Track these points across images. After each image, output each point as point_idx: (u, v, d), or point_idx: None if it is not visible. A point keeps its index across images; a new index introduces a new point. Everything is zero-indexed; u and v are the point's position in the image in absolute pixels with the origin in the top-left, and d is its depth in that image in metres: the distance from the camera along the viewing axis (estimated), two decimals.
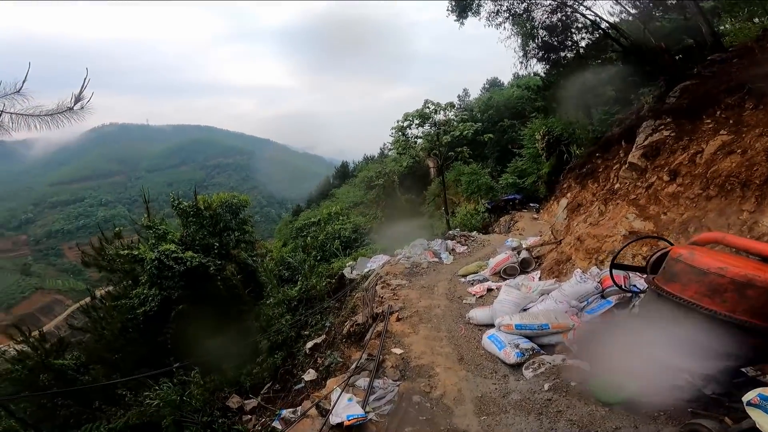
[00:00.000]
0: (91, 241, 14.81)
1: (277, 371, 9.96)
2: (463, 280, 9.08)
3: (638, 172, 7.76)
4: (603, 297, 5.49)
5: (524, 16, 11.87)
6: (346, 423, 3.85)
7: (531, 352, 4.86)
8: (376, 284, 9.11)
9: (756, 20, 10.96)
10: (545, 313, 5.31)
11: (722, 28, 11.29)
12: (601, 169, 10.68)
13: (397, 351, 5.52)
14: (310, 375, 7.47)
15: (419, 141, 22.06)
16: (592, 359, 4.40)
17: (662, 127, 7.68)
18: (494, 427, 3.84)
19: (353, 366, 5.08)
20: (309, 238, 21.98)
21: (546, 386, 4.25)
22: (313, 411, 4.34)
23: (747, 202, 5.05)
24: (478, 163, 26.70)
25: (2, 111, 3.09)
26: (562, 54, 12.92)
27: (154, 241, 12.80)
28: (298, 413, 4.83)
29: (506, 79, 46.67)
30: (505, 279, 8.60)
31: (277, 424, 5.14)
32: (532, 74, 18.45)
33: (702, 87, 7.71)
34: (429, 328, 6.34)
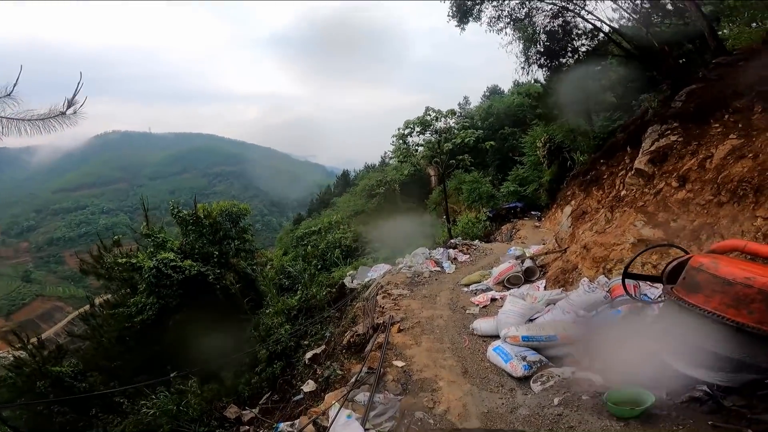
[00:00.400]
0: (90, 249, 14.76)
1: (276, 381, 9.78)
2: (465, 289, 8.88)
3: (645, 179, 7.61)
4: (612, 307, 5.30)
5: (526, 21, 11.82)
6: None
7: (539, 365, 4.65)
8: (377, 294, 8.93)
9: (754, 24, 10.92)
10: (553, 323, 5.12)
11: (721, 33, 11.22)
12: (606, 176, 10.54)
13: (399, 363, 5.31)
14: (309, 386, 7.27)
15: (420, 149, 21.98)
16: (604, 371, 4.20)
17: (669, 131, 7.54)
18: None
19: (353, 380, 4.88)
20: (309, 246, 21.81)
21: (556, 400, 4.04)
22: (311, 428, 4.14)
23: (761, 208, 4.88)
24: (480, 171, 26.58)
25: None
26: (563, 60, 12.88)
27: (152, 250, 12.69)
28: (296, 428, 4.63)
29: (506, 86, 46.65)
30: (508, 288, 8.40)
31: None
32: (532, 81, 18.46)
33: (709, 91, 7.59)
34: (431, 340, 6.14)
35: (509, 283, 8.61)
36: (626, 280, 4.39)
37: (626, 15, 11.20)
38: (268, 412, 8.30)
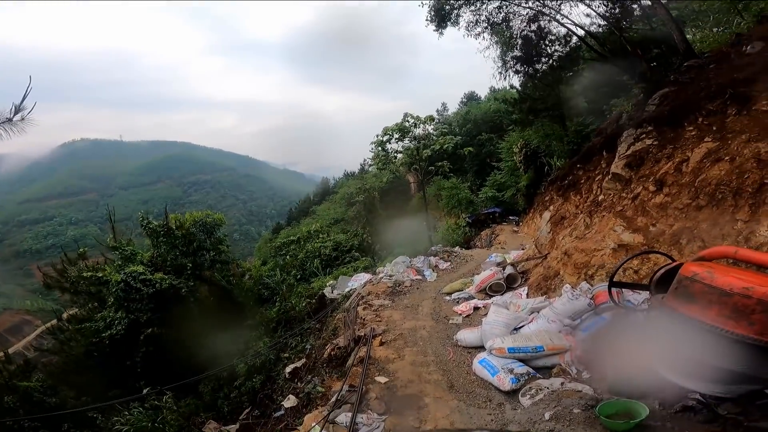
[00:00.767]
0: (54, 263, 14.03)
1: (257, 396, 9.47)
2: (448, 298, 8.73)
3: (622, 183, 7.61)
4: (597, 314, 5.21)
5: (503, 25, 11.90)
6: None
7: (527, 377, 4.50)
8: (358, 305, 8.68)
9: (715, 29, 11.31)
10: (538, 333, 4.98)
11: (688, 37, 11.59)
12: (583, 181, 10.59)
13: (382, 379, 5.08)
14: (290, 402, 6.94)
15: (399, 156, 21.93)
16: (593, 382, 4.07)
17: (644, 135, 7.57)
18: None
19: (333, 399, 4.62)
20: (288, 256, 21.36)
21: (546, 415, 3.87)
22: None
23: (740, 211, 4.87)
24: (458, 178, 26.70)
25: None
26: (538, 66, 13.02)
27: (120, 263, 12.13)
28: None
29: (483, 92, 47.32)
30: (491, 296, 8.29)
31: None
32: (508, 87, 18.68)
33: (682, 94, 7.65)
34: (415, 353, 5.92)
35: (491, 290, 8.50)
36: (612, 288, 4.28)
37: (597, 21, 11.40)
38: (249, 428, 7.95)
